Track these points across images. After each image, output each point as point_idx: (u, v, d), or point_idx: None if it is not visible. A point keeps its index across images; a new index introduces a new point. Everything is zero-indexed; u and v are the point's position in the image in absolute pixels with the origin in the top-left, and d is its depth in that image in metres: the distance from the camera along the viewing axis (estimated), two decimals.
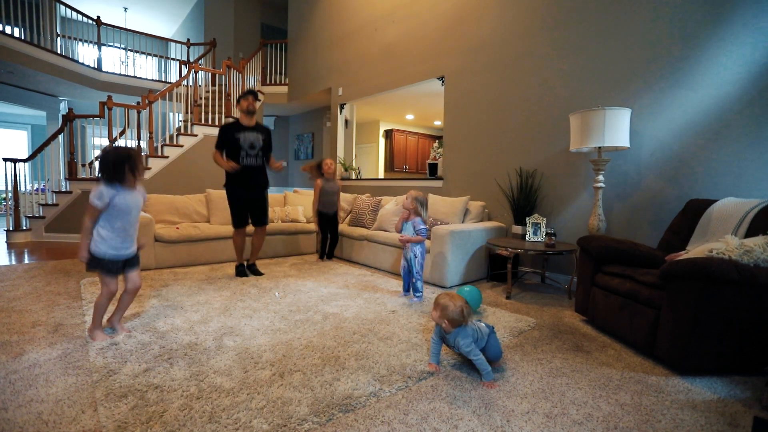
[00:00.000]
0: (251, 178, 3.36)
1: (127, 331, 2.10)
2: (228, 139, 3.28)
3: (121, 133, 6.61)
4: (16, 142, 10.41)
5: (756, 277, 1.65)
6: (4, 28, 6.07)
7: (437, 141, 6.26)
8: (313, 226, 4.64)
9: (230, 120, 4.70)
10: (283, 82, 7.81)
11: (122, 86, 7.94)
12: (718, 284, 1.66)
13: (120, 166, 1.90)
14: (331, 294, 2.94)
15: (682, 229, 2.39)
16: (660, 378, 1.75)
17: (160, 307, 2.54)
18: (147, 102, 5.52)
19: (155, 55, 8.97)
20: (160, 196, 4.19)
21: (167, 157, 5.73)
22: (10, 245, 4.97)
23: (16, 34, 6.29)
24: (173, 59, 9.31)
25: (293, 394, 1.52)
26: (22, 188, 5.48)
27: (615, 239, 2.39)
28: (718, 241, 1.82)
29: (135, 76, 8.17)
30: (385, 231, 3.94)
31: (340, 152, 6.34)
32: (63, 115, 5.31)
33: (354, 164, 6.43)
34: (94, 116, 5.41)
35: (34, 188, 5.70)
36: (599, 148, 2.77)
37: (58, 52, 6.99)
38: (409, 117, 8.19)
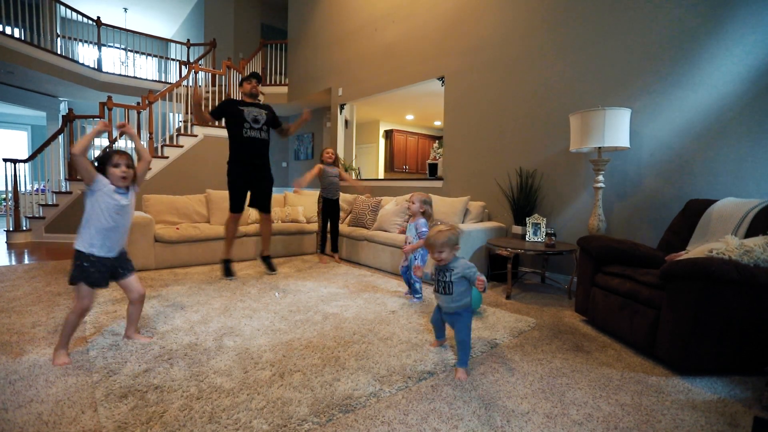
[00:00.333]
0: (254, 152, 3.31)
1: (147, 338, 2.01)
2: (230, 112, 3.24)
3: (121, 134, 6.60)
4: (16, 142, 10.41)
5: (756, 277, 1.64)
6: (4, 28, 6.07)
7: (437, 141, 6.27)
8: (313, 227, 4.63)
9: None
10: (283, 82, 7.81)
11: (122, 87, 7.95)
12: (718, 284, 1.66)
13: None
14: (331, 294, 2.94)
15: (682, 229, 2.39)
16: (660, 378, 1.74)
17: (160, 307, 2.54)
18: (147, 102, 5.52)
19: (155, 56, 8.98)
20: (160, 197, 4.19)
21: (167, 157, 5.73)
22: (10, 245, 4.97)
23: (16, 34, 6.30)
24: (173, 60, 9.32)
25: (293, 395, 1.52)
26: (22, 189, 5.49)
27: (615, 239, 2.39)
28: (718, 241, 1.82)
29: (135, 77, 8.18)
30: (385, 231, 3.94)
31: (340, 152, 6.34)
32: (63, 116, 5.31)
33: (354, 164, 6.43)
34: (94, 117, 5.42)
35: (34, 189, 5.70)
36: (599, 148, 2.77)
37: (58, 52, 7.00)
38: (409, 117, 8.19)
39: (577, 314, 2.57)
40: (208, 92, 6.88)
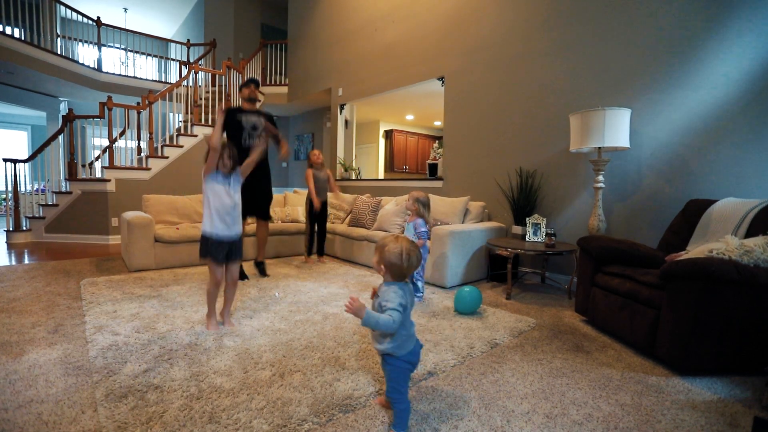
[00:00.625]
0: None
1: (230, 324, 2.24)
2: (231, 124, 3.29)
3: (121, 134, 6.60)
4: (16, 142, 10.41)
5: (756, 277, 1.65)
6: (4, 28, 6.07)
7: (437, 141, 6.26)
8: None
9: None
10: (283, 82, 7.81)
11: (122, 87, 7.94)
12: (718, 284, 1.66)
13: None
14: (332, 294, 2.94)
15: (682, 229, 2.39)
16: (660, 378, 1.74)
17: (160, 307, 2.54)
18: (147, 102, 5.52)
19: (155, 56, 8.97)
20: (160, 197, 4.20)
21: (167, 157, 5.73)
22: (10, 246, 4.97)
23: (16, 34, 6.29)
24: (173, 60, 9.31)
25: (293, 395, 1.52)
26: (22, 189, 5.48)
27: (615, 239, 2.39)
28: (718, 241, 1.82)
29: (135, 77, 8.17)
30: (386, 231, 3.94)
31: (340, 152, 6.34)
32: (63, 116, 5.31)
33: (354, 164, 6.43)
34: (94, 117, 5.41)
35: (34, 189, 5.70)
36: (599, 148, 2.77)
37: (58, 52, 6.99)
38: (409, 117, 8.19)
39: (577, 314, 2.57)
40: (207, 92, 6.88)
